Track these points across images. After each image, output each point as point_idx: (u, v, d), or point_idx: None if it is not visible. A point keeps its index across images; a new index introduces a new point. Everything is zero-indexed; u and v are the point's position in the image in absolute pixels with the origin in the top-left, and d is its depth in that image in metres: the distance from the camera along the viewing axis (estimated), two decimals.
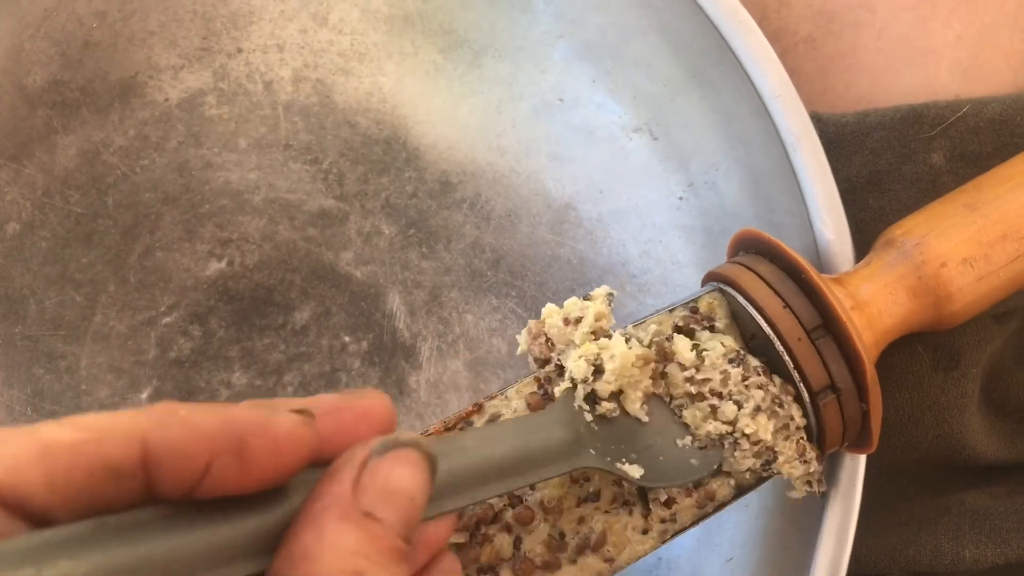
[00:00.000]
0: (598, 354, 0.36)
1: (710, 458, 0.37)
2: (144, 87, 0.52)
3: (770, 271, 0.37)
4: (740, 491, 0.38)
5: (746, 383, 0.36)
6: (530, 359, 0.38)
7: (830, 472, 0.41)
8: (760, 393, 0.36)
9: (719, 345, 0.37)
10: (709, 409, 0.36)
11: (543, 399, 0.37)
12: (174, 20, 0.51)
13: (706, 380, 0.36)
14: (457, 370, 0.52)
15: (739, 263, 0.38)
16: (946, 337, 0.43)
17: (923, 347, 0.43)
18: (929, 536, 0.42)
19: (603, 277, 0.50)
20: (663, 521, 0.37)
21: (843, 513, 0.41)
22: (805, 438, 0.37)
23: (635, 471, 0.35)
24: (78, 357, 0.51)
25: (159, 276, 0.53)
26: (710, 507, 0.38)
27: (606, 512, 0.36)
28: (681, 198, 0.47)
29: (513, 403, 0.37)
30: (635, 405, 0.36)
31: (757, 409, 0.36)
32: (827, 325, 0.36)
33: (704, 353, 0.37)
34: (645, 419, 0.37)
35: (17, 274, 0.51)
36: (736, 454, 0.37)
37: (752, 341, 0.38)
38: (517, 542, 0.36)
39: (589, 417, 0.36)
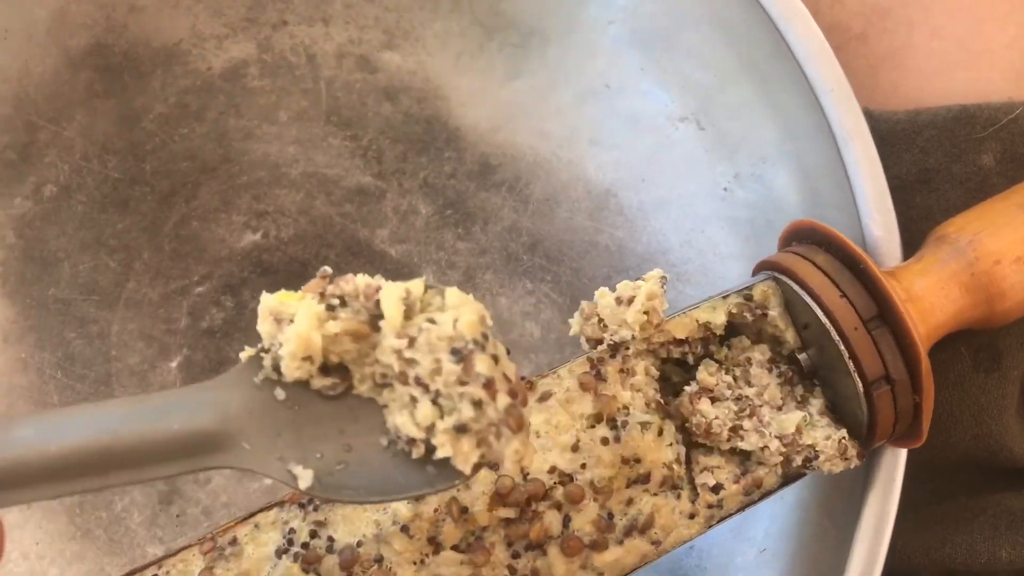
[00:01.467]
0: (294, 314, 0.29)
1: (429, 478, 0.29)
2: (187, 55, 0.52)
3: (826, 261, 0.37)
4: (786, 480, 0.38)
5: (462, 388, 0.28)
6: (583, 340, 0.38)
7: (869, 468, 0.41)
8: (469, 408, 0.28)
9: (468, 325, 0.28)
10: (409, 399, 0.29)
11: (596, 379, 0.37)
12: None
13: (413, 362, 0.29)
14: None
15: (795, 252, 0.38)
16: (989, 338, 0.43)
17: (965, 347, 0.43)
18: (965, 535, 0.42)
19: (641, 265, 0.50)
20: (710, 507, 0.37)
21: (881, 509, 0.41)
22: (846, 438, 0.37)
23: (304, 478, 0.29)
24: (110, 323, 0.51)
25: (194, 245, 0.52)
26: (756, 495, 0.38)
27: (655, 495, 0.36)
28: (726, 189, 0.47)
29: (565, 382, 0.37)
30: (362, 386, 0.30)
31: (460, 428, 0.28)
32: (883, 316, 0.36)
33: (427, 327, 0.29)
34: (380, 401, 0.30)
35: (52, 237, 0.51)
36: (764, 453, 0.37)
37: (805, 331, 0.38)
38: (566, 520, 0.35)
39: (282, 394, 0.30)
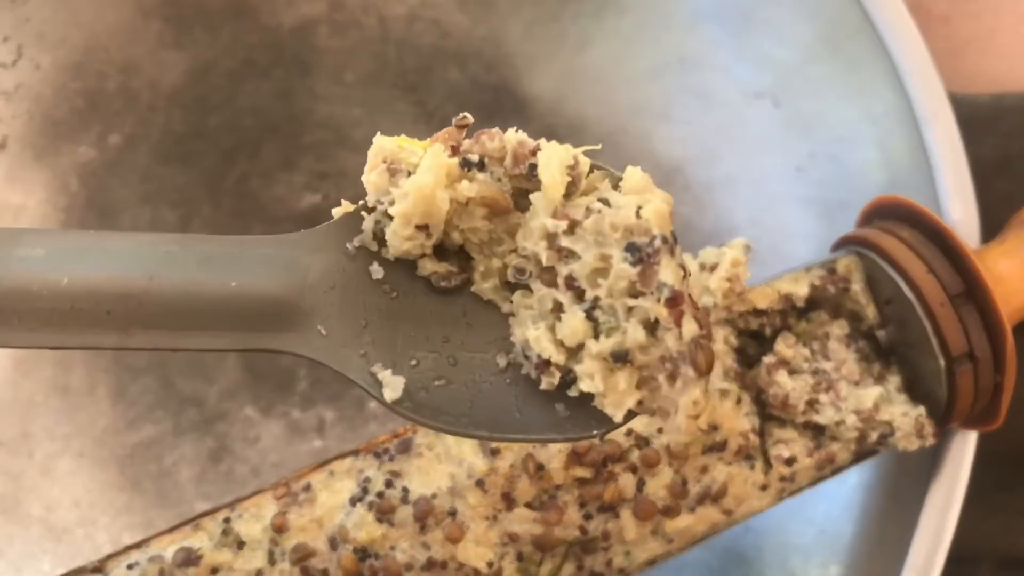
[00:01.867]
0: (415, 167, 0.23)
1: (557, 420, 0.23)
2: (258, 11, 0.51)
3: (913, 236, 0.37)
4: (858, 457, 0.38)
5: (634, 300, 0.22)
6: None
7: (938, 452, 0.41)
8: (639, 330, 0.22)
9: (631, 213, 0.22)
10: (552, 306, 0.23)
11: None
12: None
13: (569, 255, 0.22)
14: None
15: (879, 227, 0.38)
16: None
17: None
18: None
19: (707, 243, 0.49)
20: (782, 479, 0.37)
21: (948, 494, 0.40)
22: (924, 414, 0.36)
23: (392, 386, 0.23)
24: None
25: (253, 203, 0.52)
26: (828, 470, 0.38)
27: (729, 464, 0.36)
28: (799, 168, 0.47)
29: None
30: (484, 283, 0.24)
31: (619, 356, 0.22)
32: (969, 293, 0.36)
33: (597, 208, 0.22)
34: (505, 308, 0.24)
35: (114, 187, 0.50)
36: (839, 428, 0.36)
37: (887, 306, 0.37)
38: (640, 484, 0.35)
39: (380, 272, 0.23)
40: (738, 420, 0.36)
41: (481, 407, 0.23)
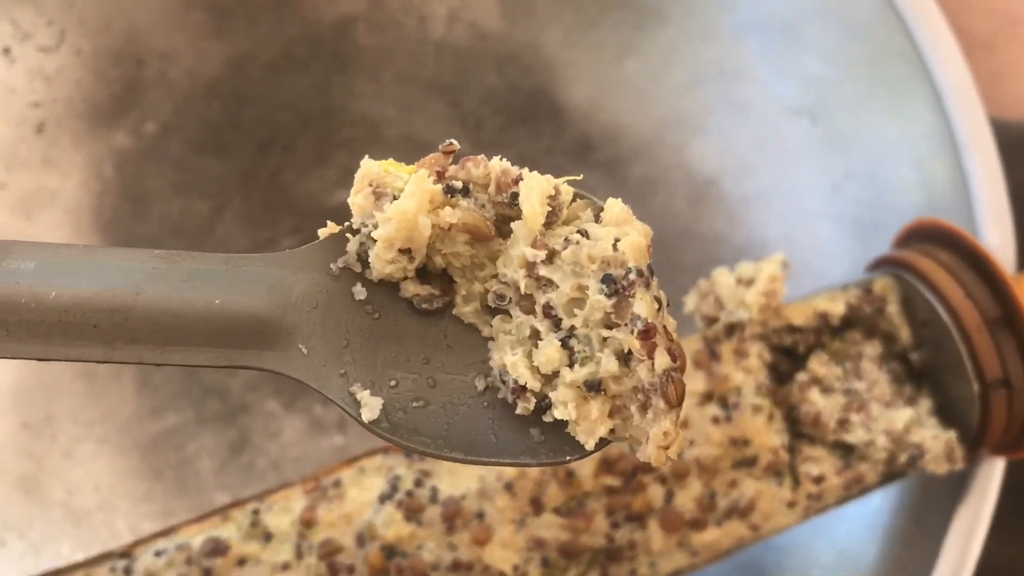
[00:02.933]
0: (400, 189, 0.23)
1: (531, 445, 0.23)
2: (299, 4, 0.51)
3: (951, 259, 0.37)
4: (886, 479, 0.38)
5: (608, 330, 0.22)
6: (697, 318, 0.38)
7: (964, 477, 0.40)
8: (612, 360, 0.22)
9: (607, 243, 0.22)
10: (529, 332, 0.23)
11: (709, 357, 0.36)
12: None
13: (547, 283, 0.23)
14: None
15: (917, 249, 0.38)
16: None
17: None
18: None
19: (738, 257, 0.49)
20: (809, 497, 0.37)
21: (973, 519, 0.40)
22: (956, 438, 0.36)
23: (369, 407, 0.23)
24: None
25: (285, 197, 0.52)
26: (855, 490, 0.37)
27: (758, 479, 0.36)
28: (835, 186, 0.47)
29: None
30: (465, 306, 0.24)
31: (593, 385, 0.22)
32: (1006, 319, 0.36)
33: (576, 239, 0.22)
34: (486, 332, 0.24)
35: (148, 175, 0.51)
36: (869, 448, 0.36)
37: (923, 329, 0.37)
38: (669, 495, 0.35)
39: (362, 293, 0.24)
40: (769, 436, 0.36)
41: (458, 429, 0.23)
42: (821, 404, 0.36)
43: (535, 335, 0.23)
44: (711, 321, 0.37)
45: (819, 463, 0.37)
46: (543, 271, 0.22)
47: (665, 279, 0.51)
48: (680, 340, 0.37)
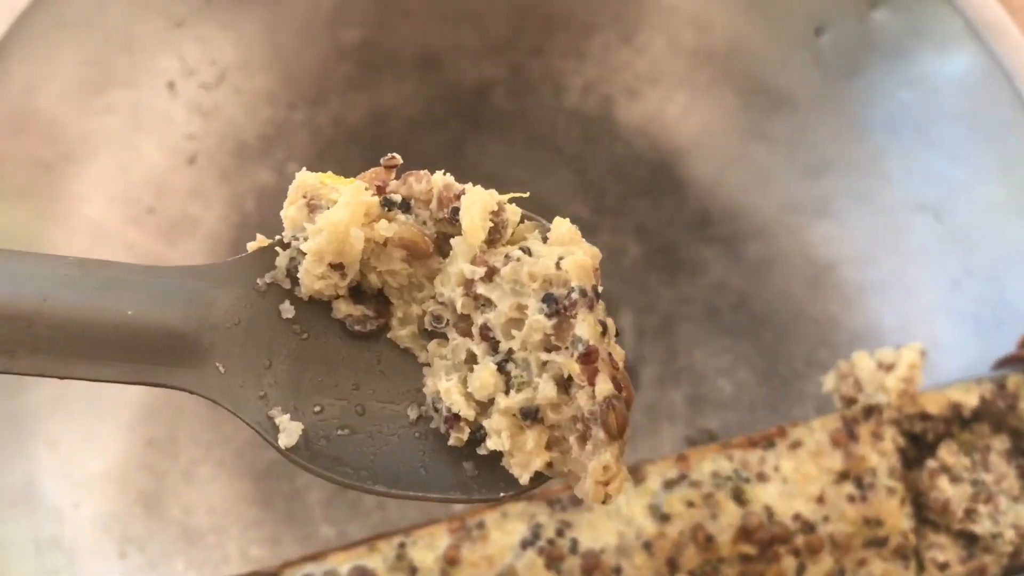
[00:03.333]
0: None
1: (463, 480, 0.22)
2: (444, 66, 0.54)
3: None
4: (1008, 572, 0.38)
5: (547, 354, 0.21)
6: (836, 398, 0.39)
7: None
8: (550, 385, 0.21)
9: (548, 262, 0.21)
10: (465, 356, 0.22)
11: (847, 437, 0.37)
12: (490, 8, 0.53)
13: (485, 303, 0.22)
14: (675, 401, 0.53)
15: None
16: None
17: None
18: None
19: (852, 343, 0.50)
20: None
21: None
22: None
23: (288, 432, 0.21)
24: None
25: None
26: None
27: (886, 560, 0.37)
28: (955, 282, 0.48)
29: (816, 435, 0.38)
30: (401, 329, 0.23)
31: (529, 413, 0.21)
32: None
33: (516, 256, 0.21)
34: (422, 357, 0.23)
35: None
36: (995, 540, 0.37)
37: None
38: (801, 568, 0.36)
39: (290, 311, 0.22)
40: (900, 519, 0.37)
41: (384, 461, 0.22)
42: (950, 492, 0.37)
43: (472, 359, 0.22)
44: (850, 402, 0.38)
45: (944, 550, 0.37)
46: (481, 289, 0.21)
47: (777, 357, 0.52)
48: (820, 419, 0.38)
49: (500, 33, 0.54)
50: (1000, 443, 0.39)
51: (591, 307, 0.20)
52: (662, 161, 0.55)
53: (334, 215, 0.21)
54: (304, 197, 0.22)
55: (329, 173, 0.23)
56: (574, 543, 0.35)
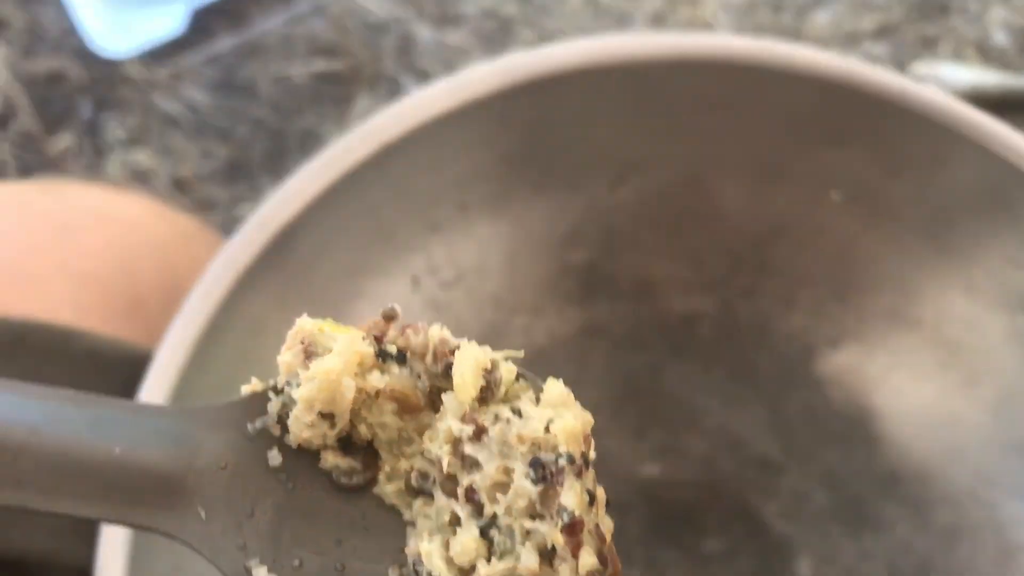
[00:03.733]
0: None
1: None
2: (657, 295, 0.58)
3: None
4: None
5: (531, 522, 0.21)
6: None
7: None
8: (532, 555, 0.20)
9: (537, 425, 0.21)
10: (449, 518, 0.22)
11: None
12: (710, 248, 0.57)
13: (472, 463, 0.21)
14: None
15: None
16: None
17: None
18: None
19: None
20: None
21: None
22: None
23: None
24: None
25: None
26: None
27: None
28: None
29: None
30: (388, 485, 0.23)
31: None
32: None
33: (507, 417, 0.21)
34: (407, 515, 0.23)
35: None
36: None
37: None
38: None
39: (277, 459, 0.22)
40: None
41: None
42: None
43: (456, 522, 0.21)
44: None
45: None
46: (469, 449, 0.21)
47: None
48: None
49: (715, 271, 0.58)
50: None
51: (579, 474, 0.20)
52: (856, 415, 0.56)
53: (327, 363, 0.21)
54: (302, 343, 0.22)
55: (329, 320, 0.23)
56: None
